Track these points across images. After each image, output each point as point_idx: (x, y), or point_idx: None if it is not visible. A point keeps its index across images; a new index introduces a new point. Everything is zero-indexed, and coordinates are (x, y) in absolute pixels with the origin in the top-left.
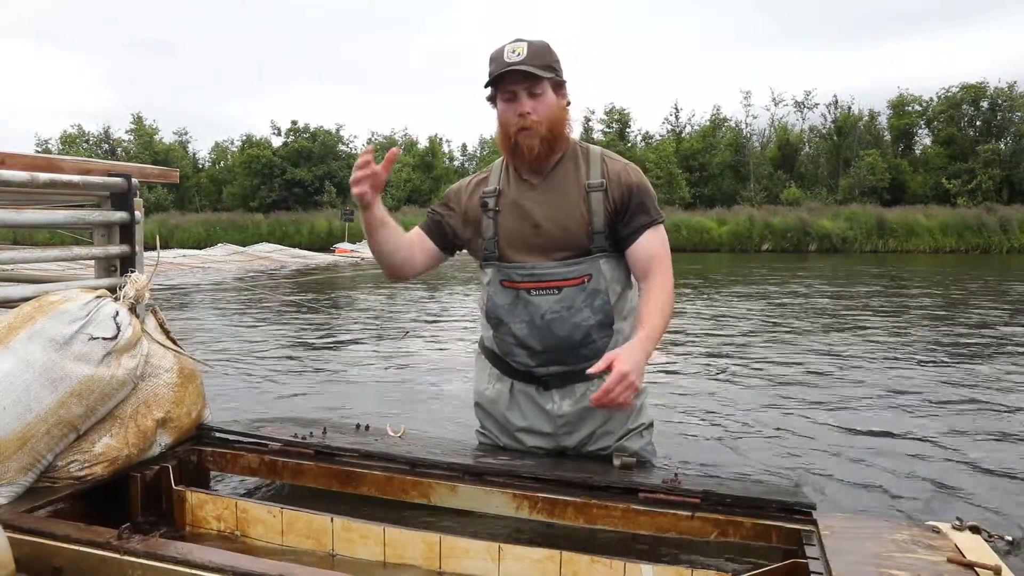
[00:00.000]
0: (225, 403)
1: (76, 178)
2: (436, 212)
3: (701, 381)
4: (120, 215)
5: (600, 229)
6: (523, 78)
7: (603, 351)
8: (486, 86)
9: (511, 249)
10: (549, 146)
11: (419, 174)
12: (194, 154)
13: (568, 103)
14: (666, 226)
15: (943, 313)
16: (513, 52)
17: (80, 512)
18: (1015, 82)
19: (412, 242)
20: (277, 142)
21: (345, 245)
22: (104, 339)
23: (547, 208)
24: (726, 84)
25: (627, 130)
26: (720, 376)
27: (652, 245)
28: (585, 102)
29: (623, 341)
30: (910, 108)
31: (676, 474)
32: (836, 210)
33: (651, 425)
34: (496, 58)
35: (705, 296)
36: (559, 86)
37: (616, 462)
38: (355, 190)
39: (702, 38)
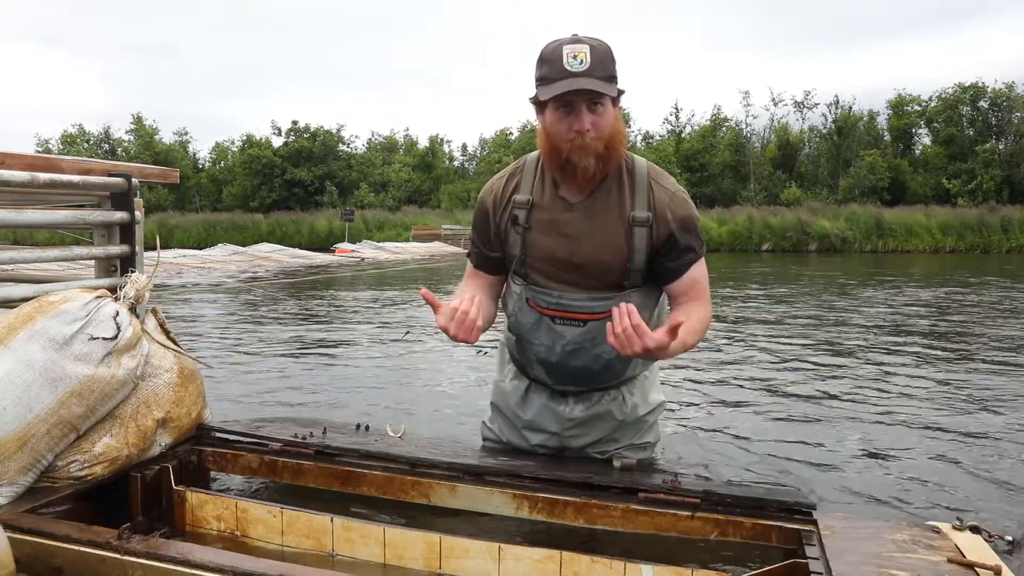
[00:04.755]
0: (225, 403)
1: (76, 178)
2: (478, 245)
3: (700, 382)
4: (120, 215)
5: (639, 267)
6: (587, 93)
7: (623, 374)
8: (540, 96)
9: (538, 272)
10: (604, 166)
11: (419, 174)
12: (194, 154)
13: (622, 110)
14: None
15: (943, 312)
16: (575, 58)
17: (80, 512)
18: (1013, 82)
19: (482, 296)
20: (277, 142)
21: (345, 245)
22: (104, 339)
23: (585, 236)
24: (726, 84)
25: (627, 130)
26: (720, 376)
27: (694, 280)
28: None
29: (642, 362)
30: (909, 108)
31: (676, 474)
32: (836, 210)
33: (657, 443)
34: (552, 60)
35: None
36: (618, 96)
37: (616, 463)
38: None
39: (702, 38)
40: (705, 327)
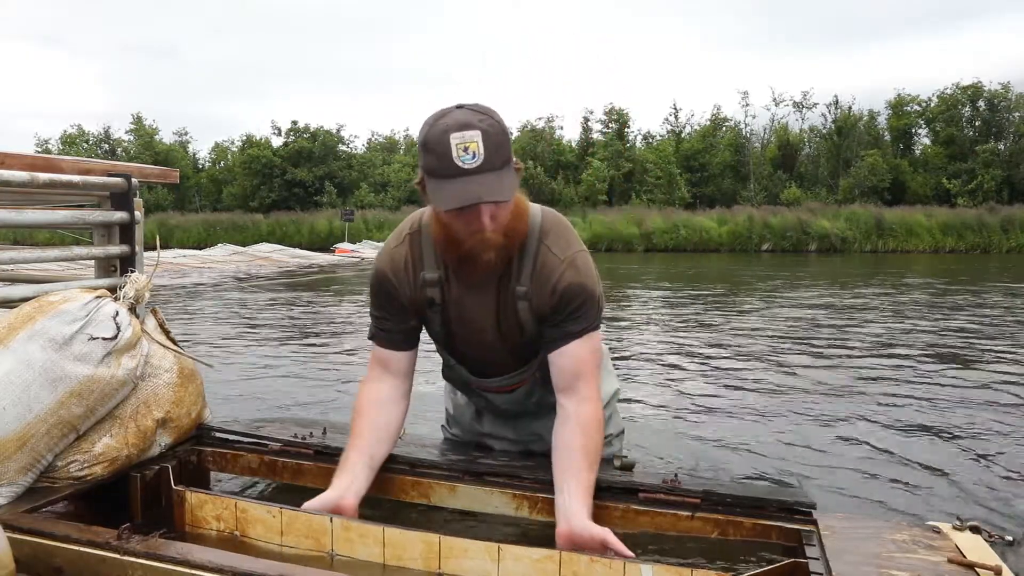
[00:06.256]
0: (225, 403)
1: (76, 178)
2: (388, 321)
3: (701, 382)
4: (120, 215)
5: (537, 335)
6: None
7: None
8: (433, 203)
9: (459, 347)
10: (507, 252)
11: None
12: (194, 154)
13: (520, 172)
14: (665, 227)
15: (941, 311)
16: (466, 151)
17: (80, 512)
18: (1008, 82)
19: (382, 405)
20: (277, 142)
21: (345, 245)
22: (104, 339)
23: (486, 313)
24: (726, 84)
25: (626, 130)
26: (719, 377)
27: (577, 359)
28: (584, 102)
29: None
30: (909, 108)
31: (676, 474)
32: (836, 210)
33: (621, 434)
34: (440, 153)
35: (703, 297)
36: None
37: (616, 463)
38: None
39: (702, 38)
40: (599, 434)
